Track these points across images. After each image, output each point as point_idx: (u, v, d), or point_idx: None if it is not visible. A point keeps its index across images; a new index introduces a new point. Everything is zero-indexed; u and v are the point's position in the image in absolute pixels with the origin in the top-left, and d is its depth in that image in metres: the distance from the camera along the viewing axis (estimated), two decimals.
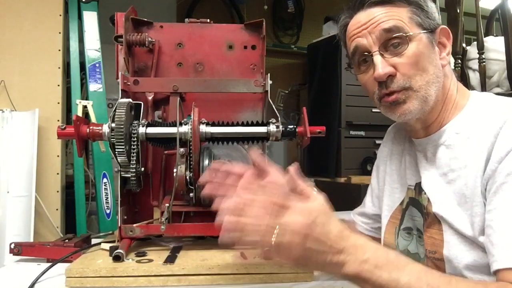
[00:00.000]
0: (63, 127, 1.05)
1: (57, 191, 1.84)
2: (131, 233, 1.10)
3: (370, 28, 0.80)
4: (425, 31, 0.79)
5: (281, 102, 3.61)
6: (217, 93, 1.23)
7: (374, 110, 2.42)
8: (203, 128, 1.08)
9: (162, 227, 1.08)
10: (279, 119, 1.12)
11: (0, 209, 1.67)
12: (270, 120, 1.11)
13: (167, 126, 1.10)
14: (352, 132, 2.50)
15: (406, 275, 0.61)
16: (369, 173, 2.39)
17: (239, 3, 3.50)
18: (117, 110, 1.03)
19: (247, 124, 1.12)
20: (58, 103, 1.86)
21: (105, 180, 1.87)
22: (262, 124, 1.12)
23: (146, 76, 1.25)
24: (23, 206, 1.69)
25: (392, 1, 0.79)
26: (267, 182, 0.82)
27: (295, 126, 1.12)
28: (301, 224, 0.61)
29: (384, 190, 0.96)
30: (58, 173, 1.84)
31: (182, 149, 1.06)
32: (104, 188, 1.87)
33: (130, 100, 1.09)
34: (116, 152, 1.03)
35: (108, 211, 1.88)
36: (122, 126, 1.02)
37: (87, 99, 1.89)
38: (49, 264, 1.05)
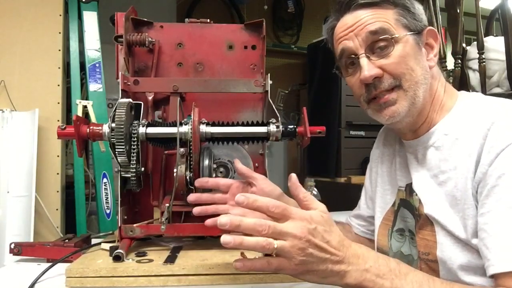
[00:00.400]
0: (63, 127, 1.05)
1: (57, 191, 1.84)
2: (131, 233, 1.10)
3: (356, 30, 0.80)
4: (412, 32, 0.79)
5: (281, 102, 3.61)
6: (217, 93, 1.23)
7: None
8: (203, 128, 1.08)
9: (162, 227, 1.08)
10: (279, 119, 1.12)
11: (0, 209, 1.67)
12: (270, 120, 1.11)
13: (167, 126, 1.10)
14: (352, 132, 2.50)
15: (408, 283, 0.62)
16: None
17: (239, 3, 3.50)
18: (117, 110, 1.03)
19: (247, 124, 1.12)
20: (58, 103, 1.87)
21: (105, 180, 1.88)
22: (262, 124, 1.12)
23: (146, 76, 1.24)
24: (23, 206, 1.69)
25: (379, 3, 0.80)
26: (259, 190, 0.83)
27: (295, 126, 1.12)
28: (302, 229, 0.61)
29: (376, 192, 0.96)
30: (58, 173, 1.84)
31: (182, 149, 1.06)
32: (104, 188, 1.87)
33: (130, 100, 1.09)
34: (116, 152, 1.03)
35: (108, 211, 1.88)
36: (122, 126, 1.02)
37: (87, 99, 1.89)
38: (49, 264, 1.05)
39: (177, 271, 0.97)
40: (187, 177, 1.07)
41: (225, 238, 0.60)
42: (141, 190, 1.15)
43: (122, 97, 1.10)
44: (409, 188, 0.85)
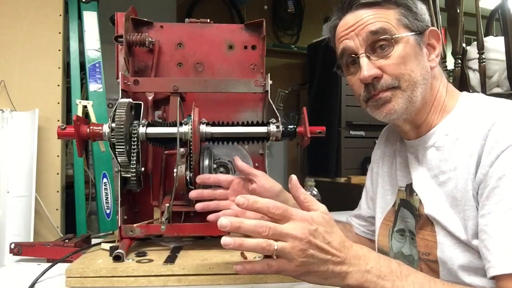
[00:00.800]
0: (63, 127, 1.05)
1: (57, 191, 1.84)
2: (131, 233, 1.10)
3: (357, 30, 0.80)
4: (413, 33, 0.79)
5: (281, 102, 3.61)
6: (217, 93, 1.23)
7: None
8: (203, 128, 1.08)
9: (162, 227, 1.08)
10: (279, 119, 1.12)
11: (0, 209, 1.67)
12: (270, 120, 1.11)
13: (167, 126, 1.10)
14: (352, 132, 2.50)
15: (409, 285, 0.63)
16: None
17: (239, 3, 3.50)
18: (117, 110, 1.03)
19: (247, 124, 1.12)
20: (58, 103, 1.86)
21: (105, 180, 1.87)
22: (262, 124, 1.12)
23: (146, 76, 1.24)
24: (23, 206, 1.69)
25: (381, 3, 0.79)
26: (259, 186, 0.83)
27: (295, 126, 1.12)
28: (303, 230, 0.61)
29: (377, 192, 0.96)
30: (58, 173, 1.84)
31: (182, 149, 1.06)
32: (104, 188, 1.87)
33: (130, 100, 1.09)
34: (116, 152, 1.03)
35: (108, 211, 1.88)
36: (122, 126, 1.02)
37: (87, 99, 1.89)
38: (49, 264, 1.05)
39: (177, 271, 0.97)
40: (187, 177, 1.07)
41: (225, 240, 0.59)
42: (141, 190, 1.15)
43: (122, 97, 1.10)
44: (409, 188, 0.85)
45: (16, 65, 1.82)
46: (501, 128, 0.69)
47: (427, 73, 0.80)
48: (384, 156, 0.97)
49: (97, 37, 1.93)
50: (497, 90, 2.09)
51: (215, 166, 1.14)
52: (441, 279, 0.73)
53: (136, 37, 1.19)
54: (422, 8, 0.81)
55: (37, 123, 1.75)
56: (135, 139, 1.05)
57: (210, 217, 0.96)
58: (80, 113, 1.81)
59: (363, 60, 0.80)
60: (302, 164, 2.99)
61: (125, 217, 1.14)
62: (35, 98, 1.82)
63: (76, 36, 1.93)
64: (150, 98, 1.23)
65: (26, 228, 1.67)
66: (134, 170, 1.06)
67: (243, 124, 1.12)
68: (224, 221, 0.60)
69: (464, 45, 2.14)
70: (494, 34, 2.43)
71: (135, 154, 1.05)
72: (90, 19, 1.93)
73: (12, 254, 1.15)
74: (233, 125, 1.12)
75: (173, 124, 1.08)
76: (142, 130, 1.07)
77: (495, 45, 2.09)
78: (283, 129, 1.10)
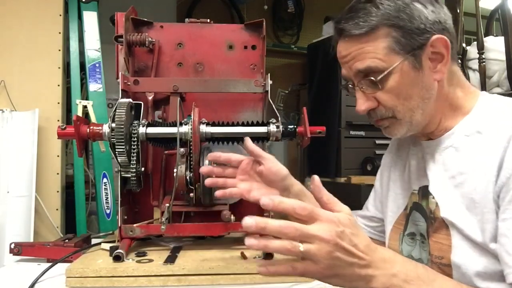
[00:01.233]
0: (63, 127, 1.06)
1: (57, 191, 1.83)
2: (131, 233, 1.10)
3: (348, 63, 0.79)
4: (408, 55, 0.75)
5: (281, 102, 3.61)
6: (217, 93, 1.23)
7: None
8: (203, 128, 1.08)
9: (162, 227, 1.08)
10: (279, 119, 1.12)
11: (0, 209, 1.67)
12: (270, 120, 1.11)
13: (167, 126, 1.10)
14: (352, 132, 2.50)
15: None
16: (369, 173, 2.41)
17: (239, 3, 3.50)
18: (117, 110, 1.03)
19: (247, 124, 1.12)
20: (58, 103, 1.86)
21: (105, 180, 1.87)
22: (262, 124, 1.12)
23: (146, 76, 1.25)
24: (23, 206, 1.69)
25: (368, 33, 0.75)
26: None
27: (295, 126, 1.12)
28: (330, 232, 0.59)
29: (388, 196, 0.95)
30: (58, 173, 1.84)
31: (182, 149, 1.06)
32: (104, 188, 1.87)
33: (130, 100, 1.09)
34: (116, 152, 1.03)
35: (108, 211, 1.87)
36: (122, 126, 1.02)
37: (87, 99, 1.89)
38: (49, 264, 1.05)
39: (177, 271, 0.97)
40: (187, 177, 1.07)
41: (249, 241, 0.57)
42: (141, 190, 1.15)
43: (122, 97, 1.10)
44: (422, 191, 0.84)
45: (16, 65, 1.82)
46: None
47: (427, 91, 0.77)
48: (396, 160, 0.96)
49: (97, 37, 1.93)
50: (497, 90, 2.09)
51: (215, 166, 1.14)
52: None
53: (136, 37, 1.19)
54: (420, 16, 0.75)
55: (37, 123, 1.75)
56: (135, 139, 1.05)
57: (218, 192, 0.96)
58: (80, 113, 1.81)
59: (357, 93, 0.80)
60: (302, 164, 2.99)
61: (125, 217, 1.14)
62: (35, 98, 1.82)
63: (76, 36, 1.93)
64: (150, 98, 1.23)
65: (26, 228, 1.67)
66: (134, 170, 1.06)
67: (243, 124, 1.12)
68: (249, 221, 0.57)
69: (464, 45, 2.14)
70: (494, 34, 2.43)
71: (135, 154, 1.05)
72: (90, 19, 1.93)
73: (12, 254, 1.15)
74: (233, 125, 1.12)
75: (173, 124, 1.08)
76: (142, 130, 1.07)
77: (495, 45, 2.09)
78: (283, 129, 1.10)
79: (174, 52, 1.28)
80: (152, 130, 1.08)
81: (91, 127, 1.06)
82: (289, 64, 3.72)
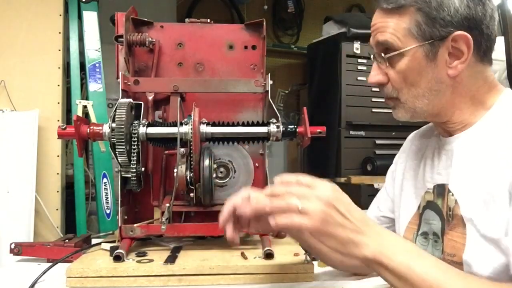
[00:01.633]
0: (63, 127, 1.06)
1: (57, 191, 1.84)
2: (132, 233, 1.10)
3: (373, 32, 0.81)
4: (424, 42, 0.75)
5: (281, 102, 3.61)
6: (217, 93, 1.23)
7: (374, 110, 2.42)
8: (204, 128, 1.08)
9: (163, 227, 1.08)
10: (280, 119, 1.12)
11: (0, 209, 1.67)
12: (271, 120, 1.11)
13: (167, 126, 1.10)
14: (352, 132, 2.50)
15: (422, 265, 0.64)
16: (369, 173, 2.41)
17: (239, 3, 3.50)
18: (117, 110, 1.03)
19: (248, 124, 1.12)
20: (58, 103, 1.86)
21: (105, 180, 1.87)
22: (263, 124, 1.12)
23: (146, 76, 1.25)
24: (23, 206, 1.69)
25: (398, 9, 0.76)
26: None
27: (295, 126, 1.12)
28: (328, 195, 0.66)
29: (401, 196, 0.94)
30: (58, 173, 1.84)
31: (182, 149, 1.06)
32: (104, 188, 1.87)
33: (131, 100, 1.09)
34: (117, 152, 1.03)
35: (108, 211, 1.88)
36: (122, 126, 1.02)
37: (87, 99, 1.89)
38: (50, 264, 1.05)
39: (177, 271, 0.97)
40: (188, 177, 1.07)
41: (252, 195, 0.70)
42: (141, 190, 1.15)
43: (122, 97, 1.10)
44: (437, 189, 0.84)
45: (16, 65, 1.82)
46: None
47: (437, 84, 0.77)
48: (411, 160, 0.96)
49: (97, 37, 1.93)
50: None
51: (215, 166, 1.14)
52: None
53: (136, 37, 1.19)
54: (450, 8, 0.73)
55: (37, 123, 1.75)
56: (136, 139, 1.05)
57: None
58: (80, 113, 1.81)
59: (373, 65, 0.82)
60: (302, 164, 2.99)
61: (125, 217, 1.14)
62: (35, 98, 1.82)
63: (76, 36, 1.93)
64: (150, 98, 1.23)
65: (26, 228, 1.67)
66: (134, 170, 1.06)
67: (243, 124, 1.12)
68: (266, 190, 0.70)
69: None
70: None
71: (135, 154, 1.05)
72: (90, 19, 1.93)
73: (12, 254, 1.15)
74: (233, 125, 1.12)
75: (174, 124, 1.08)
76: (142, 130, 1.07)
77: (495, 45, 2.08)
78: (283, 129, 1.10)
79: (174, 52, 1.28)
80: (152, 130, 1.08)
81: (91, 127, 1.06)
82: (289, 64, 3.72)
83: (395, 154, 1.03)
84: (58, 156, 1.85)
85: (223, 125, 1.11)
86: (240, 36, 1.29)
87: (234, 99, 1.26)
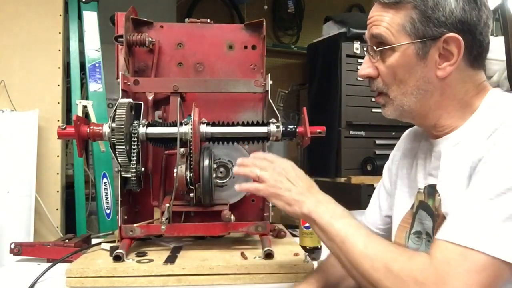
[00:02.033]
0: (63, 127, 1.05)
1: (57, 191, 1.84)
2: (132, 233, 1.10)
3: (369, 25, 0.82)
4: (416, 40, 0.75)
5: (281, 102, 3.61)
6: (217, 93, 1.23)
7: (374, 110, 2.42)
8: (204, 128, 1.08)
9: (163, 227, 1.08)
10: (279, 119, 1.12)
11: (0, 209, 1.67)
12: (271, 120, 1.11)
13: (167, 126, 1.10)
14: (352, 132, 2.50)
15: (340, 223, 0.76)
16: (369, 173, 2.41)
17: (239, 3, 3.50)
18: (117, 110, 1.03)
19: (247, 124, 1.12)
20: (58, 103, 1.87)
21: (105, 180, 1.87)
22: (263, 124, 1.12)
23: (146, 76, 1.25)
24: (23, 206, 1.69)
25: (394, 4, 0.77)
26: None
27: (295, 126, 1.12)
28: (282, 166, 0.85)
29: (395, 194, 0.95)
30: (58, 173, 1.84)
31: (182, 149, 1.06)
32: (104, 188, 1.87)
33: (131, 100, 1.09)
34: (117, 152, 1.03)
35: (108, 211, 1.88)
36: (122, 126, 1.02)
37: (87, 99, 1.89)
38: (49, 264, 1.05)
39: (177, 271, 0.98)
40: (188, 177, 1.07)
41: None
42: (141, 190, 1.15)
43: (122, 97, 1.10)
44: (428, 190, 0.84)
45: (16, 65, 1.82)
46: (508, 128, 0.69)
47: (425, 84, 0.77)
48: (404, 158, 0.96)
49: (97, 37, 1.93)
50: None
51: (215, 166, 1.14)
52: None
53: (136, 37, 1.19)
54: (445, 9, 0.74)
55: (37, 123, 1.75)
56: (135, 139, 1.05)
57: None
58: (80, 113, 1.81)
59: (365, 57, 0.82)
60: (302, 164, 2.99)
61: (125, 217, 1.14)
62: (35, 98, 1.82)
63: (76, 36, 1.93)
64: (150, 98, 1.23)
65: (26, 228, 1.67)
66: (134, 170, 1.06)
67: (243, 124, 1.12)
68: (239, 159, 0.91)
69: None
70: (494, 34, 2.43)
71: (135, 154, 1.05)
72: (90, 19, 1.93)
73: (12, 254, 1.15)
74: (233, 125, 1.12)
75: (173, 124, 1.08)
76: (142, 130, 1.07)
77: (495, 45, 2.08)
78: (283, 129, 1.10)
79: (174, 52, 1.28)
80: (152, 130, 1.08)
81: (91, 127, 1.06)
82: (289, 64, 3.72)
83: None
84: (58, 156, 1.85)
85: (223, 125, 1.11)
86: (240, 36, 1.29)
87: (234, 99, 1.26)
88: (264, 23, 1.25)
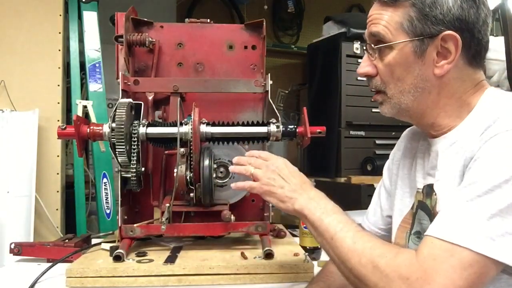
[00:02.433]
0: (63, 127, 1.06)
1: (57, 191, 1.84)
2: (132, 233, 1.10)
3: (368, 24, 0.82)
4: (414, 38, 0.75)
5: (281, 102, 3.61)
6: (217, 93, 1.23)
7: (374, 110, 2.41)
8: (204, 128, 1.08)
9: (163, 227, 1.08)
10: (279, 119, 1.12)
11: (0, 209, 1.67)
12: (271, 120, 1.11)
13: (167, 126, 1.10)
14: (352, 132, 2.50)
15: (330, 219, 0.76)
16: (369, 173, 2.41)
17: (239, 3, 3.50)
18: (117, 110, 1.03)
19: (247, 124, 1.12)
20: (58, 103, 1.86)
21: (105, 180, 1.87)
22: (263, 124, 1.12)
23: (146, 76, 1.25)
24: (23, 206, 1.69)
25: (393, 1, 0.77)
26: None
27: (295, 126, 1.12)
28: (275, 165, 0.87)
29: (395, 194, 0.95)
30: (58, 173, 1.84)
31: (182, 149, 1.06)
32: (104, 188, 1.87)
33: (131, 100, 1.09)
34: (117, 152, 1.03)
35: (108, 211, 1.88)
36: (122, 126, 1.02)
37: (87, 99, 1.89)
38: (50, 264, 1.05)
39: (177, 271, 0.98)
40: (188, 177, 1.07)
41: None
42: (141, 190, 1.15)
43: (122, 97, 1.10)
44: (426, 190, 0.84)
45: (16, 65, 1.82)
46: (501, 123, 0.69)
47: (422, 82, 0.77)
48: (405, 158, 0.96)
49: (97, 37, 1.93)
50: None
51: (215, 166, 1.14)
52: None
53: (136, 37, 1.19)
54: (443, 6, 0.74)
55: (37, 123, 1.75)
56: (135, 139, 1.05)
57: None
58: (80, 113, 1.81)
59: (364, 56, 0.83)
60: (302, 164, 2.99)
61: (125, 217, 1.14)
62: (35, 98, 1.82)
63: (76, 36, 1.93)
64: (150, 98, 1.23)
65: (26, 228, 1.67)
66: (134, 170, 1.06)
67: (243, 124, 1.12)
68: (235, 157, 0.93)
69: None
70: (494, 34, 2.43)
71: (135, 154, 1.05)
72: (90, 19, 1.93)
73: (12, 254, 1.15)
74: (233, 125, 1.12)
75: (173, 124, 1.08)
76: (142, 130, 1.07)
77: (495, 45, 2.08)
78: (283, 129, 1.10)
79: (174, 52, 1.28)
80: (152, 130, 1.08)
81: (91, 127, 1.06)
82: (289, 64, 3.72)
83: None
84: (58, 156, 1.85)
85: (223, 125, 1.11)
86: (240, 36, 1.29)
87: (234, 99, 1.26)
88: (264, 23, 1.25)
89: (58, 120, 1.85)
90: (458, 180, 0.74)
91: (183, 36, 1.28)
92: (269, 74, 1.18)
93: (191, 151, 1.06)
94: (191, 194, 1.10)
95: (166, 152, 1.21)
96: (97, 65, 1.92)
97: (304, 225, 1.17)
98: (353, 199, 2.14)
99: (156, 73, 1.25)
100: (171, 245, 1.17)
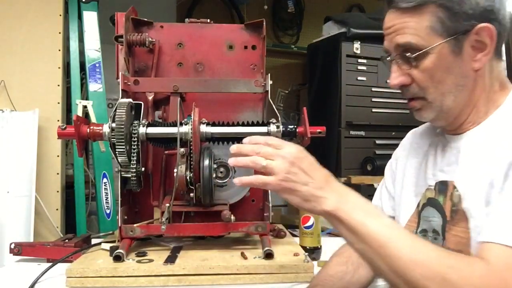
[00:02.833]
0: (63, 127, 1.06)
1: (57, 191, 1.83)
2: (132, 233, 1.10)
3: (390, 35, 0.79)
4: (449, 38, 0.74)
5: (281, 102, 3.61)
6: (217, 93, 1.23)
7: (374, 110, 2.42)
8: (204, 128, 1.08)
9: (163, 227, 1.08)
10: (279, 119, 1.12)
11: (0, 209, 1.67)
12: (271, 120, 1.11)
13: (167, 126, 1.10)
14: (352, 132, 2.49)
15: (376, 223, 0.67)
16: (369, 173, 2.41)
17: (239, 3, 3.50)
18: (117, 110, 1.03)
19: (247, 124, 1.12)
20: (58, 103, 1.86)
21: (105, 180, 1.87)
22: (263, 124, 1.12)
23: (146, 76, 1.25)
24: (23, 206, 1.69)
25: (415, 8, 0.75)
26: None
27: (295, 126, 1.12)
28: (292, 153, 0.71)
29: (401, 195, 0.94)
30: (58, 173, 1.84)
31: (182, 149, 1.06)
32: (104, 188, 1.87)
33: (131, 100, 1.09)
34: (117, 152, 1.03)
35: (108, 211, 1.88)
36: (122, 126, 1.02)
37: (87, 99, 1.89)
38: (50, 264, 1.05)
39: (177, 271, 0.98)
40: (188, 177, 1.07)
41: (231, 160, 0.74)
42: (141, 190, 1.15)
43: (122, 97, 1.10)
44: (439, 186, 0.83)
45: (16, 65, 1.82)
46: None
47: (463, 78, 0.77)
48: (412, 157, 0.95)
49: (97, 37, 1.93)
50: None
51: (215, 166, 1.14)
52: None
53: (136, 37, 1.19)
54: (471, 1, 0.73)
55: (37, 123, 1.75)
56: (135, 139, 1.05)
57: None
58: (80, 113, 1.81)
59: (393, 66, 0.80)
60: None
61: (125, 217, 1.14)
62: (35, 98, 1.82)
63: (76, 36, 1.93)
64: (150, 98, 1.23)
65: (26, 228, 1.67)
66: (134, 170, 1.06)
67: (243, 124, 1.12)
68: (233, 145, 0.74)
69: None
70: None
71: (135, 154, 1.05)
72: (90, 19, 1.93)
73: (12, 254, 1.15)
74: (233, 125, 1.12)
75: (173, 124, 1.08)
76: (142, 130, 1.07)
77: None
78: (283, 129, 1.10)
79: (174, 52, 1.28)
80: (152, 130, 1.08)
81: (91, 127, 1.06)
82: (289, 64, 3.72)
83: None
84: (58, 156, 1.85)
85: (223, 125, 1.11)
86: (240, 36, 1.29)
87: (234, 99, 1.26)
88: (264, 23, 1.25)
89: (58, 120, 1.85)
90: (486, 179, 0.73)
91: (183, 36, 1.28)
92: (269, 74, 1.18)
93: (191, 151, 1.06)
94: (191, 194, 1.10)
95: (166, 152, 1.21)
96: (97, 65, 1.92)
97: (305, 225, 1.17)
98: None
99: (156, 73, 1.25)
100: (171, 245, 1.17)
